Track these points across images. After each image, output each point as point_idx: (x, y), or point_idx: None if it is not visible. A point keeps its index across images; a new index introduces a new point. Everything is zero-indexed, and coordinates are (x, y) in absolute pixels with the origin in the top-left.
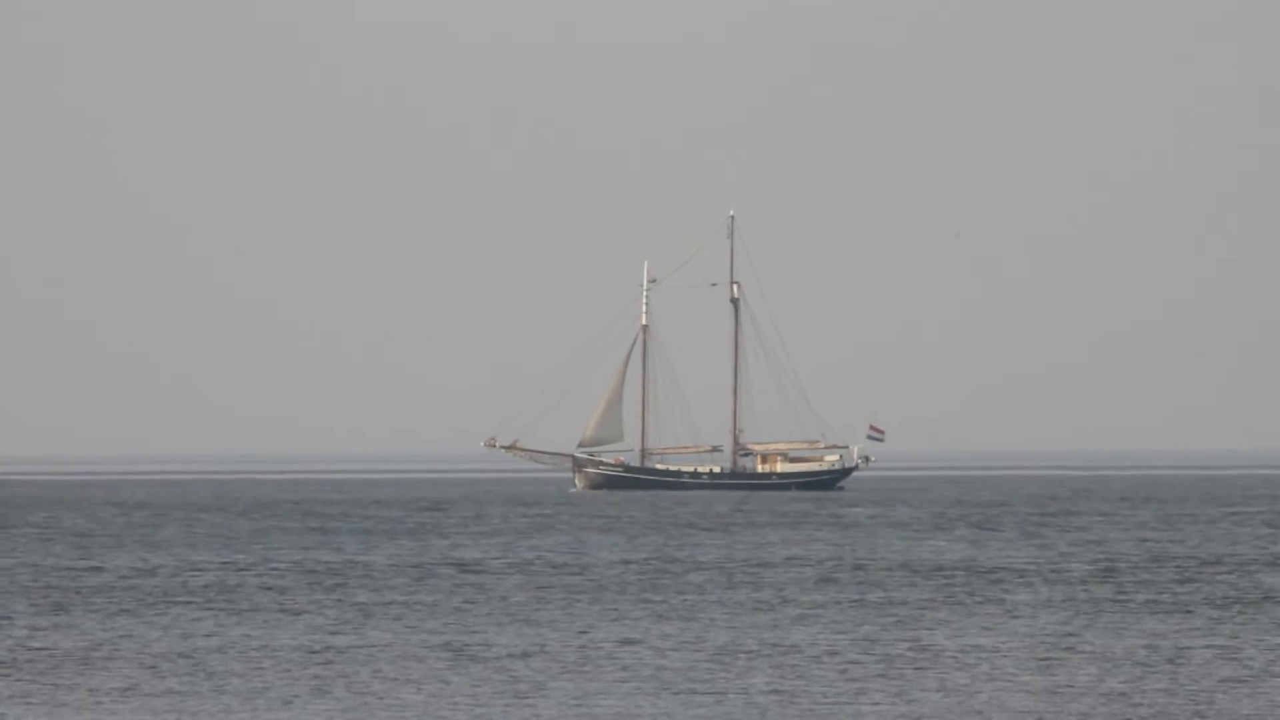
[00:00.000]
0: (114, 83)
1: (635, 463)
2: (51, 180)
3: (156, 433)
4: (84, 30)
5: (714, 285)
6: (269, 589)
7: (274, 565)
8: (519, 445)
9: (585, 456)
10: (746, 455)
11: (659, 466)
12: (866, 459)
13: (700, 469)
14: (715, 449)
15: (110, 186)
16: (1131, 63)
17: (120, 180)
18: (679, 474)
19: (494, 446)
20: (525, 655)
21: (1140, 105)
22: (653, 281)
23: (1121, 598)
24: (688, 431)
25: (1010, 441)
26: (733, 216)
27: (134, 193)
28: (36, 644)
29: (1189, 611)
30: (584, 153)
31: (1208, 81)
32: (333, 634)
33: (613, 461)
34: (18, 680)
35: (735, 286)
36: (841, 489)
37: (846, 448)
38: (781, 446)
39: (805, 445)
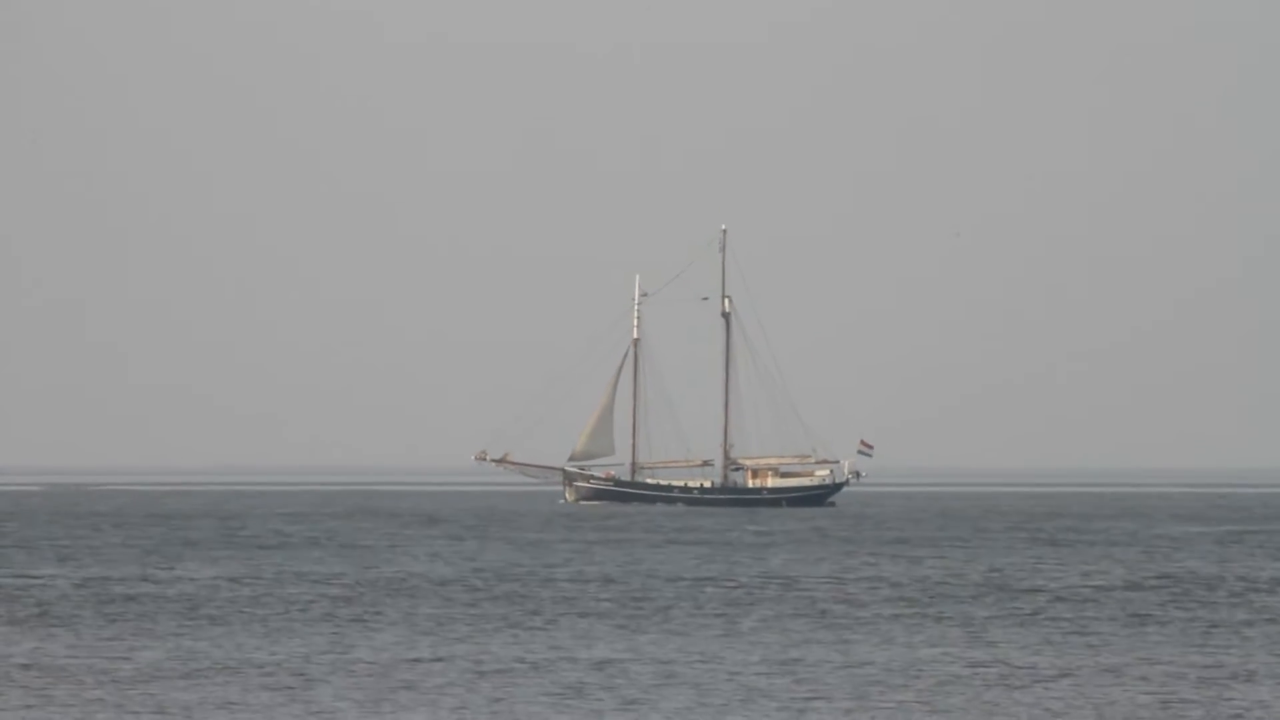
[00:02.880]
0: (115, 93)
1: (626, 477)
2: (48, 186)
3: (143, 442)
4: (94, 50)
5: (705, 299)
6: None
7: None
8: (509, 458)
9: (576, 470)
10: (737, 470)
11: (649, 481)
12: (857, 474)
13: (691, 483)
14: (706, 463)
15: (112, 194)
16: (1133, 69)
17: (121, 187)
18: (669, 488)
19: (484, 460)
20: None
21: (1143, 112)
22: (644, 295)
23: None
24: (678, 446)
25: (1000, 459)
26: (724, 231)
27: (135, 199)
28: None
29: None
30: (577, 167)
31: (1211, 88)
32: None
33: (603, 475)
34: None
35: (727, 301)
36: (832, 504)
37: (837, 462)
38: (772, 461)
39: (796, 460)
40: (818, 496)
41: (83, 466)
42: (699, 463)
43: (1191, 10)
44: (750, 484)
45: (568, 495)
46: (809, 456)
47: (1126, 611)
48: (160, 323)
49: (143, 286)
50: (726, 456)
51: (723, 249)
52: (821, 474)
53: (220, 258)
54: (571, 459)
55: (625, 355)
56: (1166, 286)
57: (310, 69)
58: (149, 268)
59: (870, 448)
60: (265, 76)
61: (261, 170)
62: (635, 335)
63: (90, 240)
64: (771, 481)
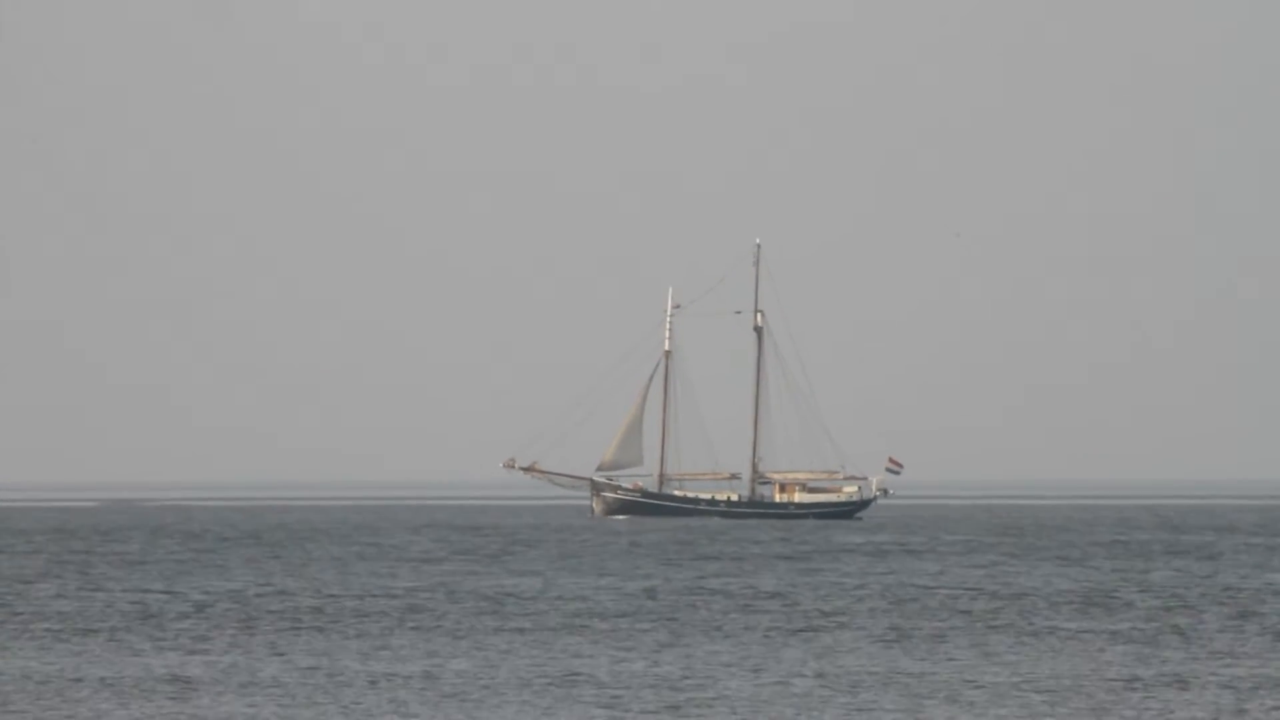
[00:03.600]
0: (114, 121)
1: (653, 488)
2: (43, 202)
3: (147, 458)
4: (89, 74)
5: (738, 313)
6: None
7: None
8: (537, 467)
9: (603, 480)
10: (765, 484)
11: (677, 493)
12: (885, 491)
13: (718, 496)
14: (734, 476)
15: (116, 220)
16: (1133, 87)
17: (124, 211)
18: (696, 501)
19: (513, 468)
20: None
21: (1147, 134)
22: (677, 307)
23: None
24: (707, 458)
25: (1032, 472)
26: (759, 245)
27: (138, 222)
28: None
29: None
30: (612, 180)
31: (1217, 101)
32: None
33: (630, 486)
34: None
35: (759, 315)
36: (859, 519)
37: (865, 479)
38: (800, 476)
39: (824, 475)
40: (846, 512)
41: (86, 482)
42: (726, 475)
43: (1202, 23)
44: (778, 498)
45: (595, 506)
46: (837, 473)
47: None
48: (164, 347)
49: (144, 311)
50: (754, 470)
51: (757, 263)
52: (849, 490)
53: (253, 288)
54: (600, 469)
55: (656, 366)
56: (1173, 298)
57: (329, 86)
58: (168, 289)
59: (899, 466)
60: (278, 94)
61: (297, 193)
62: (667, 347)
63: (107, 267)
64: (799, 496)
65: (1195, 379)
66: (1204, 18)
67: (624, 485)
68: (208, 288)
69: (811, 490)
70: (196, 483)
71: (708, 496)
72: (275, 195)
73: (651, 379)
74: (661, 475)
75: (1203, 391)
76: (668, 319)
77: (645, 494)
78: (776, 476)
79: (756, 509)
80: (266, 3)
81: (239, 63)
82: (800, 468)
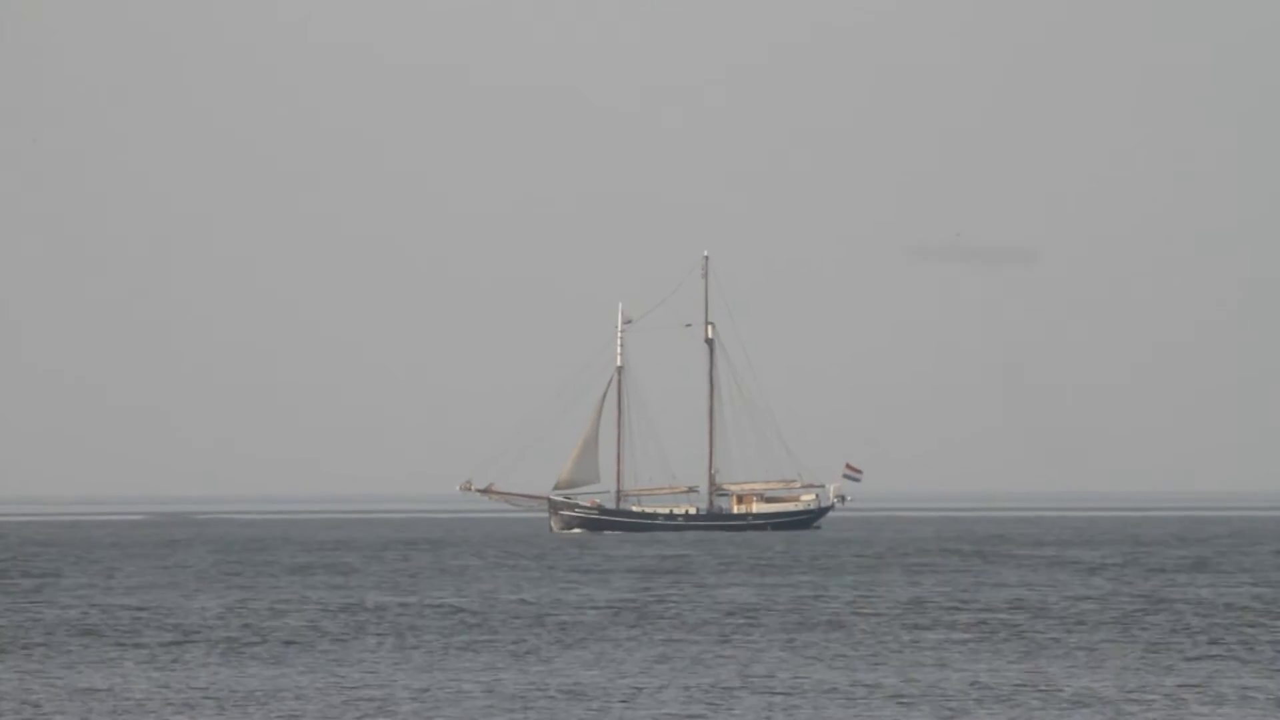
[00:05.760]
0: (110, 144)
1: (611, 504)
2: (45, 216)
3: (141, 475)
4: (93, 86)
5: (688, 326)
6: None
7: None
8: (494, 488)
9: (561, 499)
10: (722, 495)
11: (635, 508)
12: (842, 498)
13: (676, 510)
14: (691, 489)
15: (116, 249)
16: (1135, 107)
17: (121, 238)
18: (654, 516)
19: (470, 490)
20: None
21: (1142, 152)
22: (627, 323)
23: None
24: (663, 473)
25: (980, 483)
26: (707, 257)
27: (137, 243)
28: None
29: None
30: (560, 194)
31: (1218, 120)
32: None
33: (588, 504)
34: None
35: (710, 327)
36: (818, 528)
37: (822, 487)
38: (757, 487)
39: (781, 485)
40: (803, 521)
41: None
42: (684, 489)
43: (1212, 33)
44: (736, 509)
45: (553, 525)
46: (794, 481)
47: None
48: (147, 363)
49: (140, 330)
50: (712, 482)
51: (705, 275)
52: (807, 499)
53: (210, 303)
54: (556, 487)
55: (609, 383)
56: (1161, 328)
57: (305, 109)
58: (147, 310)
59: (858, 472)
60: (257, 113)
61: (259, 209)
62: (619, 363)
63: (97, 300)
64: (757, 507)
65: (1191, 394)
66: (1208, 27)
67: (582, 503)
68: (175, 294)
69: (769, 500)
70: (175, 497)
71: (665, 511)
72: (246, 204)
73: (605, 395)
74: (619, 491)
75: (1200, 406)
76: (619, 334)
77: (603, 510)
78: (734, 488)
79: (715, 521)
80: (246, 3)
81: (231, 92)
82: (757, 478)
